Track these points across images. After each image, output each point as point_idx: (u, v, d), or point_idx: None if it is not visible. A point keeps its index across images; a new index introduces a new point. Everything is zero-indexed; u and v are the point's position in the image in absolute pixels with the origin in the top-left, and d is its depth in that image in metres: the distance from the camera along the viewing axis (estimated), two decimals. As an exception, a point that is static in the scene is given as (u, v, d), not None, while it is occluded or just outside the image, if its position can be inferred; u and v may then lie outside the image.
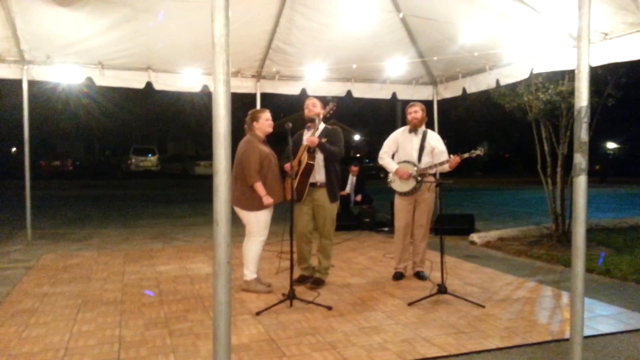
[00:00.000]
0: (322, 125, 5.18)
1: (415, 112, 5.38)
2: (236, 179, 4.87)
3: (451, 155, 5.18)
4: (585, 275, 2.82)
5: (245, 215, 4.90)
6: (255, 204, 4.82)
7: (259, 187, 4.75)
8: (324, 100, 5.27)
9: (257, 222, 4.88)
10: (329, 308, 4.41)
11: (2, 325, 3.97)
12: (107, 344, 3.59)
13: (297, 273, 5.34)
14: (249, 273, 4.98)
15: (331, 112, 5.10)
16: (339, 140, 5.15)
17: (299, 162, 5.06)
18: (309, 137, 5.06)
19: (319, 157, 5.09)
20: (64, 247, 7.42)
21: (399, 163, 5.43)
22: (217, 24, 2.00)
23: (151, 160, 32.18)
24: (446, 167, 5.21)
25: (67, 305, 4.53)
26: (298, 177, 5.01)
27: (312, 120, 5.16)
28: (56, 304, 4.56)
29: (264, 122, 5.01)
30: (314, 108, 5.20)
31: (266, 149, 4.96)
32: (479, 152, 5.02)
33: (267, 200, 4.78)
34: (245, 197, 4.83)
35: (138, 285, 5.25)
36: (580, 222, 2.76)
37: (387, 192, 5.82)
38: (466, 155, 5.04)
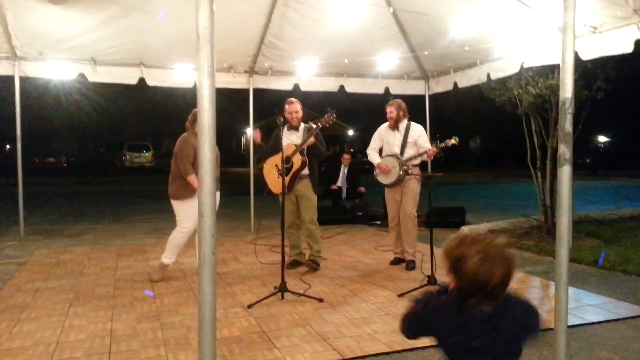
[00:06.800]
0: (302, 126, 5.55)
1: (391, 112, 5.69)
2: (172, 173, 5.24)
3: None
4: (574, 265, 2.87)
5: (175, 205, 5.26)
6: (181, 193, 5.17)
7: (192, 179, 5.02)
8: (323, 111, 5.45)
9: (183, 210, 5.20)
10: (320, 300, 4.45)
11: (-6, 320, 3.98)
12: (99, 338, 3.62)
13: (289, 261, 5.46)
14: (165, 258, 5.26)
15: (330, 122, 5.26)
16: (323, 144, 5.54)
17: (288, 160, 5.31)
18: (310, 140, 5.29)
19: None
20: (57, 243, 7.42)
21: (383, 157, 5.73)
22: (202, 16, 2.00)
23: (145, 156, 32.21)
24: (425, 157, 5.53)
25: (59, 300, 4.54)
26: (291, 174, 5.34)
27: (294, 127, 5.52)
28: (48, 299, 4.58)
29: None
30: (297, 115, 5.51)
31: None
32: (453, 141, 5.36)
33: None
34: (174, 187, 5.21)
35: (130, 279, 5.28)
36: (564, 211, 2.80)
37: (379, 187, 5.93)
38: (442, 145, 5.35)
